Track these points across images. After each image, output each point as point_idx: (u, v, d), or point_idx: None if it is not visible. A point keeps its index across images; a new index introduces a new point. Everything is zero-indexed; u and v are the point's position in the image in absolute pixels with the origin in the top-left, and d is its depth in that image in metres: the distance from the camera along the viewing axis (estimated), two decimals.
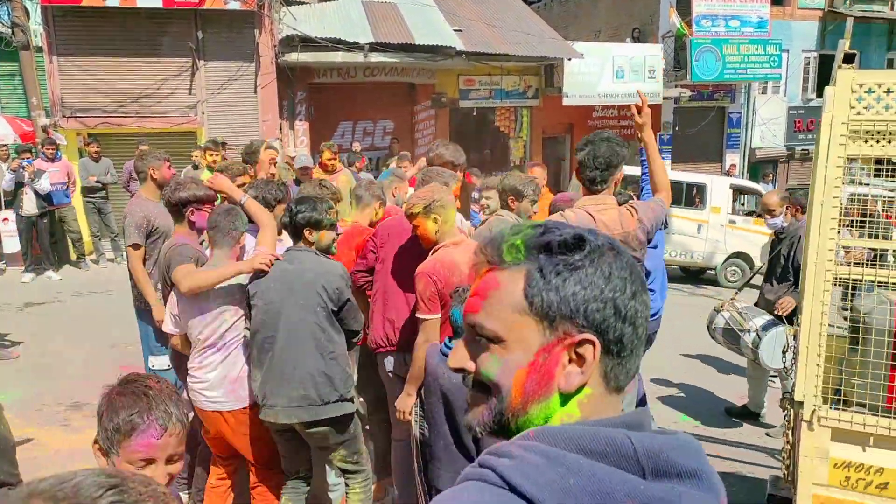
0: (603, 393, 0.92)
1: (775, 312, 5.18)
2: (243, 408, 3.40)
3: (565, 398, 0.91)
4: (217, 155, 7.71)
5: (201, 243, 3.84)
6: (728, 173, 17.21)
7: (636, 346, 0.93)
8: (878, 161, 2.98)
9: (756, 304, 5.51)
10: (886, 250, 3.58)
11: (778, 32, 17.34)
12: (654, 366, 5.59)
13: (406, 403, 3.28)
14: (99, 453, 1.67)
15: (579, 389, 0.91)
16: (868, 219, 3.02)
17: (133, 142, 11.13)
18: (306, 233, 3.34)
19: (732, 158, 18.28)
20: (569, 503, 0.79)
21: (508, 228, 0.97)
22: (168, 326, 3.53)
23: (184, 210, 3.71)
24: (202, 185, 3.82)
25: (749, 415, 5.75)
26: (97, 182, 10.79)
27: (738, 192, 12.99)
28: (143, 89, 12.36)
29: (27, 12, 11.38)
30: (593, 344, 0.89)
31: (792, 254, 5.30)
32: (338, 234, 3.61)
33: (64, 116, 11.92)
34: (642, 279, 0.95)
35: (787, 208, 5.52)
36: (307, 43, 12.67)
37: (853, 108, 2.70)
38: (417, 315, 3.29)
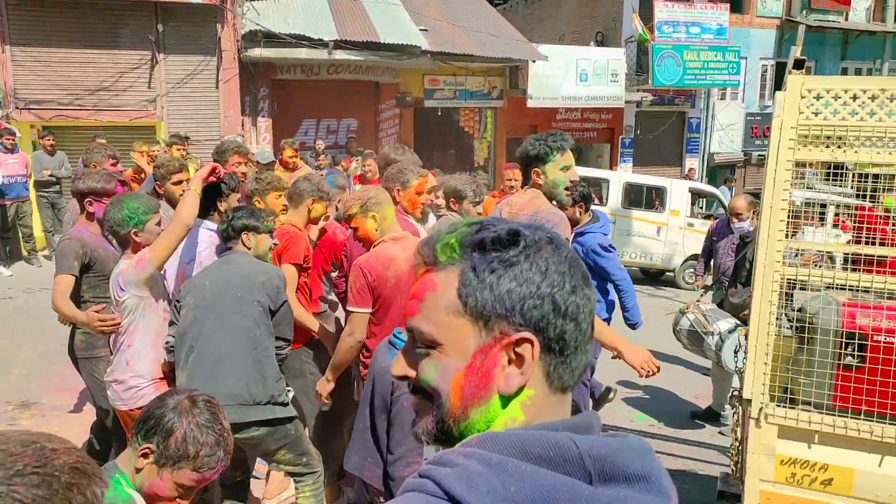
0: (547, 393, 0.89)
1: (741, 316, 5.27)
2: (128, 409, 3.23)
3: (506, 400, 0.88)
4: (182, 149, 7.59)
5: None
6: (687, 177, 17.52)
7: (580, 343, 0.89)
8: (836, 167, 3.07)
9: (721, 308, 5.61)
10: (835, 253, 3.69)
11: (737, 40, 17.71)
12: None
13: (325, 387, 3.44)
14: (145, 457, 1.81)
15: (521, 391, 0.88)
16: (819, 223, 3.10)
17: (90, 135, 10.87)
18: (244, 237, 3.28)
19: (692, 162, 18.62)
20: None
21: (445, 227, 0.94)
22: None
23: (83, 201, 3.75)
24: (103, 176, 3.85)
25: (713, 416, 5.83)
26: (51, 176, 10.51)
27: (696, 195, 13.25)
28: (100, 82, 12.08)
29: None
30: (531, 343, 0.86)
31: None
32: (274, 244, 3.53)
33: (17, 108, 11.59)
34: (584, 273, 0.92)
35: (753, 212, 5.60)
36: (270, 38, 12.54)
37: (802, 112, 2.77)
38: (346, 307, 3.33)
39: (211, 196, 3.51)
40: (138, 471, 1.82)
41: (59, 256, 3.59)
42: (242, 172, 4.65)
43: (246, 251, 3.30)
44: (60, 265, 3.54)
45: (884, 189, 3.29)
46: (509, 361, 0.87)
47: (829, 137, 2.83)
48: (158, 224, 3.27)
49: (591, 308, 0.91)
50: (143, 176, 6.39)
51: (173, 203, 4.13)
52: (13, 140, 9.91)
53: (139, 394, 3.20)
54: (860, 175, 3.14)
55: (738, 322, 5.00)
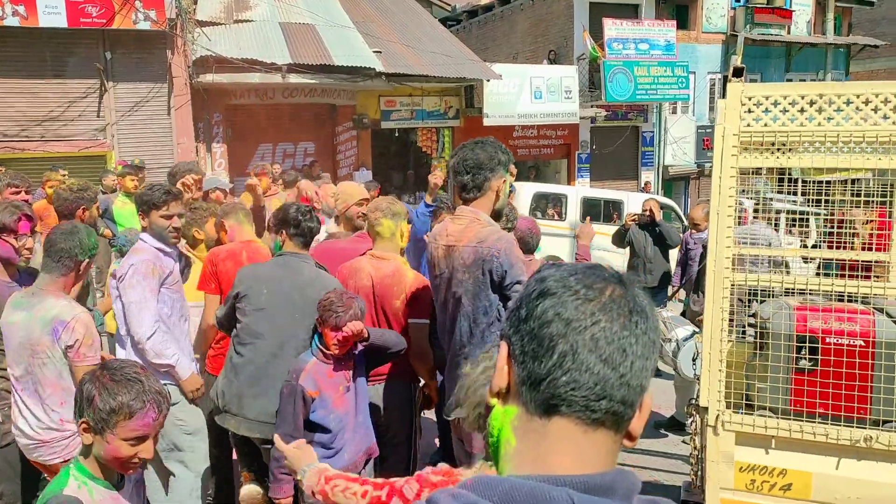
0: (526, 415, 0.84)
1: (697, 321, 5.31)
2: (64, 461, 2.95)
3: (503, 415, 0.86)
4: (136, 179, 7.39)
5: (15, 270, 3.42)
6: (644, 190, 17.79)
7: (541, 356, 0.82)
8: (783, 173, 3.10)
9: (683, 316, 5.65)
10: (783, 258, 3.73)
11: (685, 55, 18.15)
12: None
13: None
14: (86, 432, 1.89)
15: (508, 404, 0.86)
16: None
17: (39, 167, 10.57)
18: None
19: (647, 175, 18.93)
20: None
21: None
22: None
23: None
24: (7, 208, 3.35)
25: (677, 425, 5.84)
26: None
27: None
28: (47, 112, 11.80)
29: None
30: (499, 345, 0.89)
31: None
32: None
33: None
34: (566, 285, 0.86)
35: None
36: (223, 63, 12.41)
37: (743, 119, 2.80)
38: None
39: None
40: (90, 449, 1.91)
41: None
42: (193, 198, 4.56)
43: (308, 255, 3.34)
44: None
45: (835, 194, 3.35)
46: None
47: (772, 144, 2.87)
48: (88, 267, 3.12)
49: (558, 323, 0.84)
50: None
51: (93, 227, 4.04)
52: None
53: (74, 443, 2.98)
54: (812, 182, 3.19)
55: (696, 329, 5.05)
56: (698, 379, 4.11)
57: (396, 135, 16.09)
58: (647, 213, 7.03)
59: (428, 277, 3.32)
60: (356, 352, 2.98)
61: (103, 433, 1.87)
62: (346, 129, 15.06)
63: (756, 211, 4.71)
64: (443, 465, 2.02)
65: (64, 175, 8.23)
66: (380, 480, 2.03)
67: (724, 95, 2.86)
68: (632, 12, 18.25)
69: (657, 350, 0.86)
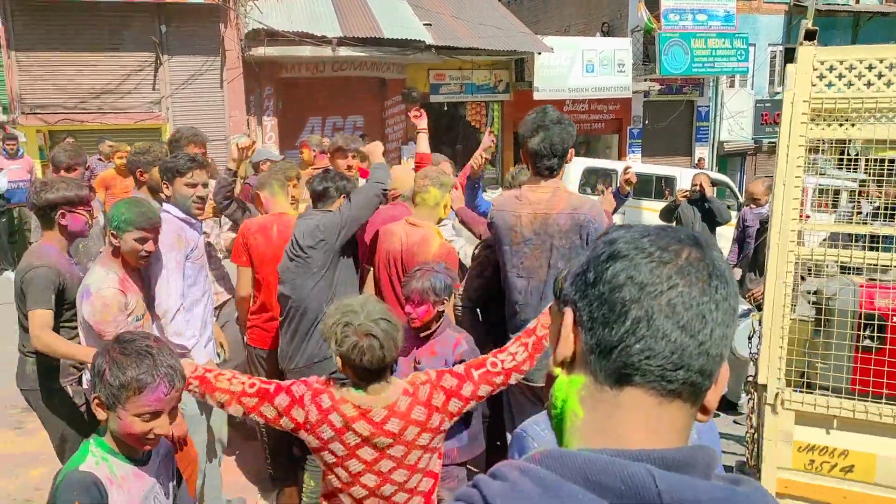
0: (596, 385, 0.79)
1: (749, 296, 5.19)
2: None
3: (569, 385, 0.82)
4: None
5: (79, 247, 3.48)
6: (697, 166, 17.35)
7: (612, 323, 0.77)
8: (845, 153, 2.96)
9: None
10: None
11: (744, 26, 17.51)
12: None
13: None
14: (99, 408, 1.86)
15: (574, 374, 0.81)
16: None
17: (96, 140, 10.85)
18: (341, 199, 3.55)
19: (701, 151, 18.43)
20: None
21: None
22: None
23: (52, 213, 3.20)
24: (73, 183, 3.31)
25: (728, 405, 5.73)
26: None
27: None
28: (105, 85, 12.08)
29: None
30: (564, 313, 0.83)
31: None
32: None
33: (23, 113, 11.60)
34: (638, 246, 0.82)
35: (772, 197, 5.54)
36: (274, 37, 12.48)
37: (814, 85, 2.66)
38: None
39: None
40: (106, 425, 1.88)
41: (33, 287, 3.05)
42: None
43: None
44: (36, 298, 3.02)
45: None
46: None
47: (841, 113, 2.72)
48: (142, 241, 2.95)
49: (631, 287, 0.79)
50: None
51: (158, 191, 4.01)
52: (15, 145, 9.90)
53: None
54: (876, 160, 3.02)
55: (751, 307, 4.90)
56: (753, 358, 4.00)
57: (445, 108, 16.00)
58: (698, 187, 6.83)
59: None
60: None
61: (115, 409, 1.82)
62: (395, 103, 15.03)
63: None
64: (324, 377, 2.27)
65: (111, 146, 8.40)
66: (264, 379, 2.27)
67: (785, 67, 2.72)
68: None
69: (736, 317, 0.80)
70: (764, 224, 5.55)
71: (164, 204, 3.45)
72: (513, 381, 2.27)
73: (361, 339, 2.05)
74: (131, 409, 1.81)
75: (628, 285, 0.77)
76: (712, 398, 0.80)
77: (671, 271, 0.77)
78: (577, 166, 12.34)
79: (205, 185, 3.41)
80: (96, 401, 1.85)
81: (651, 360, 0.76)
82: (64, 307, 3.18)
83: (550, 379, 0.85)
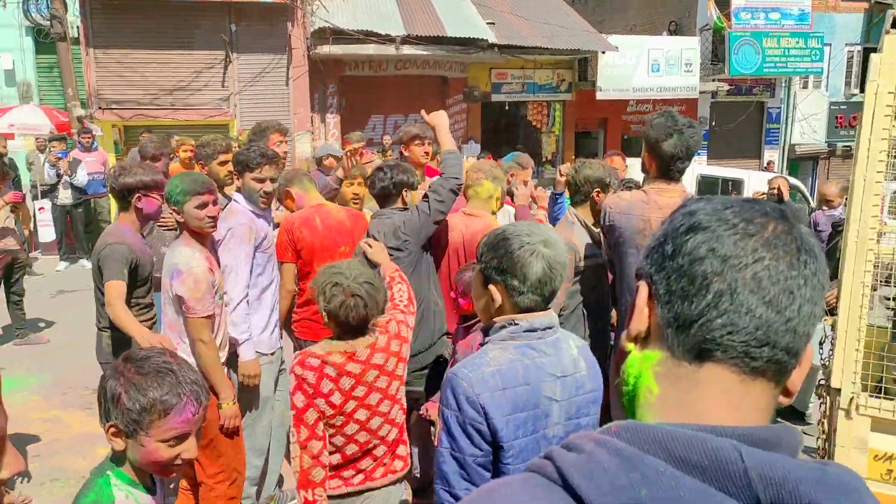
0: (673, 360, 0.76)
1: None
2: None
3: (642, 360, 0.79)
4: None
5: (149, 232, 3.64)
6: (766, 169, 16.80)
7: (692, 296, 0.74)
8: None
9: None
10: None
11: (820, 25, 16.87)
12: None
13: None
14: (116, 437, 1.61)
15: (648, 349, 0.78)
16: None
17: (167, 135, 11.23)
18: (404, 193, 3.50)
19: (771, 154, 17.84)
20: None
21: None
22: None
23: (129, 196, 3.38)
24: (148, 168, 3.56)
25: (794, 414, 5.52)
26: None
27: None
28: (176, 81, 12.48)
29: (65, 4, 11.56)
30: (639, 287, 0.80)
31: None
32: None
33: (100, 108, 12.09)
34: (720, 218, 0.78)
35: (846, 199, 5.31)
36: (339, 35, 12.67)
37: None
38: None
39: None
40: (124, 455, 1.65)
41: (109, 261, 3.27)
42: (284, 151, 4.54)
43: (404, 207, 3.50)
44: (111, 271, 3.25)
45: None
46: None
47: None
48: (202, 207, 3.02)
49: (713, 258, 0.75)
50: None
51: (219, 183, 4.15)
52: (91, 138, 10.31)
53: None
54: None
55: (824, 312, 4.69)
56: (825, 363, 3.83)
57: (506, 108, 15.93)
58: (776, 191, 6.59)
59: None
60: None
61: (136, 436, 1.58)
62: (456, 102, 15.06)
63: None
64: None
65: (177, 140, 8.66)
66: None
67: (863, 69, 2.58)
68: None
69: (825, 294, 0.76)
70: (837, 227, 5.31)
71: (234, 194, 3.60)
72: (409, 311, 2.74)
73: (348, 299, 2.33)
74: (156, 434, 1.58)
75: (710, 258, 0.74)
76: (796, 379, 0.76)
77: (757, 244, 0.73)
78: (639, 167, 12.08)
79: (273, 181, 3.49)
80: (112, 430, 1.60)
81: (734, 335, 0.72)
82: (136, 283, 3.39)
83: (622, 355, 0.82)
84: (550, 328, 1.89)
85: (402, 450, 2.63)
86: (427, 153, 4.62)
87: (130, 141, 11.89)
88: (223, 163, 4.19)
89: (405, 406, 2.63)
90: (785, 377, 0.75)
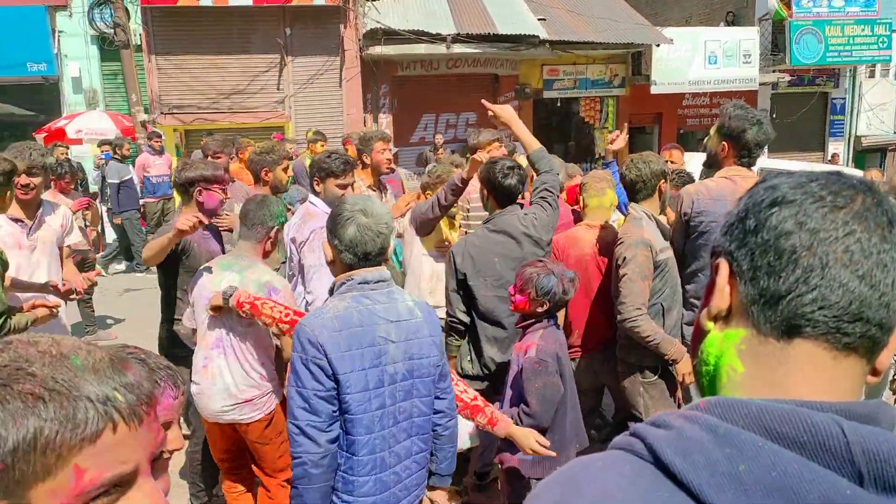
0: (759, 337, 0.74)
1: None
2: (264, 416, 3.13)
3: (723, 339, 0.77)
4: (324, 145, 8.12)
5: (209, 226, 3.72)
6: (831, 162, 16.21)
7: (779, 271, 0.72)
8: None
9: None
10: None
11: (888, 11, 16.15)
12: None
13: None
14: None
15: (732, 331, 0.76)
16: None
17: (225, 138, 11.51)
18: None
19: (835, 147, 17.20)
20: (733, 496, 0.62)
21: None
22: (187, 318, 3.29)
23: (191, 189, 3.52)
24: (210, 163, 3.68)
25: None
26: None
27: None
28: (234, 86, 12.78)
29: (128, 13, 11.97)
30: (719, 265, 0.79)
31: None
32: None
33: (162, 113, 12.48)
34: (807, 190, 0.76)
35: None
36: (390, 36, 12.77)
37: None
38: None
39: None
40: None
41: (159, 232, 3.54)
42: (388, 158, 4.60)
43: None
44: (158, 233, 3.46)
45: None
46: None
47: None
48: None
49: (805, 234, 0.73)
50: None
51: (279, 189, 4.36)
52: (161, 143, 10.66)
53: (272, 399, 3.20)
54: None
55: None
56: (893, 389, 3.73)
57: (558, 104, 15.78)
58: None
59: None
60: None
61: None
62: (507, 100, 14.98)
63: None
64: None
65: (244, 142, 8.89)
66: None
67: None
68: None
69: None
70: None
71: (309, 196, 3.78)
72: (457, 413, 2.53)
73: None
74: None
75: (798, 231, 0.72)
76: (884, 358, 0.74)
77: (847, 216, 0.72)
78: (696, 162, 11.79)
79: (352, 186, 3.73)
80: None
81: (826, 310, 0.71)
82: (184, 267, 3.45)
83: (700, 334, 0.81)
84: (383, 281, 2.21)
85: None
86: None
87: (191, 144, 12.24)
88: (285, 168, 4.37)
89: None
90: (876, 354, 0.73)
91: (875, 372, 0.74)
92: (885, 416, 0.68)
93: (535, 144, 3.46)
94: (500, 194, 3.33)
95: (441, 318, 3.88)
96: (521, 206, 3.41)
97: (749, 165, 3.32)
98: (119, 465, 0.74)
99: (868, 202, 0.73)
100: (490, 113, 3.53)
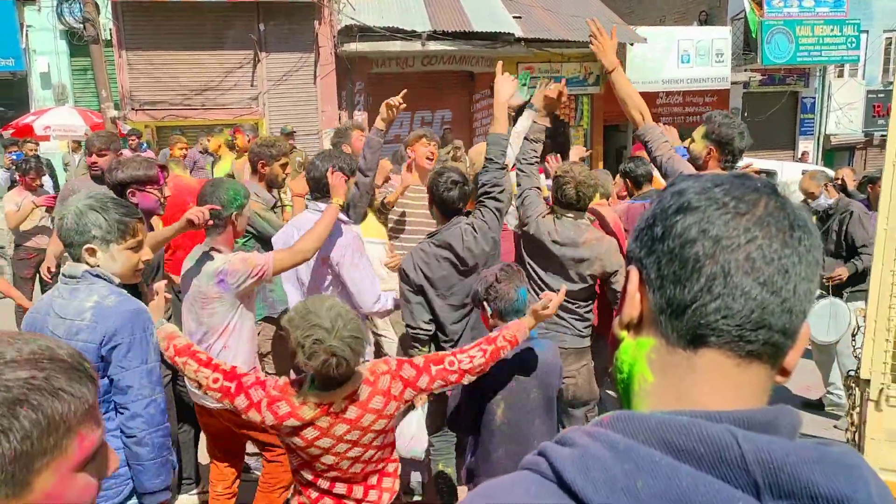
0: (667, 347, 0.74)
1: (825, 283, 5.05)
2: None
3: (636, 348, 0.77)
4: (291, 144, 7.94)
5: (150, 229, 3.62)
6: (801, 160, 16.47)
7: (684, 281, 0.72)
8: None
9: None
10: None
11: (856, 11, 16.46)
12: None
13: None
14: None
15: (642, 339, 0.76)
16: None
17: (196, 134, 11.39)
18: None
19: (805, 145, 17.48)
20: None
21: None
22: None
23: (124, 192, 3.25)
24: (143, 163, 3.35)
25: (811, 403, 5.54)
26: None
27: None
28: (207, 82, 12.66)
29: (97, 7, 11.77)
30: (629, 272, 0.78)
31: (844, 229, 5.26)
32: None
33: (133, 109, 12.32)
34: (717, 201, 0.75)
35: (825, 187, 5.55)
36: (365, 33, 12.73)
37: None
38: None
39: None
40: None
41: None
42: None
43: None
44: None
45: None
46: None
47: None
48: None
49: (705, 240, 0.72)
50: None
51: (274, 184, 4.21)
52: (138, 141, 10.51)
53: None
54: None
55: (822, 292, 4.85)
56: (858, 356, 3.77)
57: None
58: (839, 181, 6.48)
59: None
60: None
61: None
62: (483, 97, 15.01)
63: None
64: (283, 380, 2.30)
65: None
66: (228, 368, 2.34)
67: None
68: None
69: (819, 270, 0.74)
70: (827, 212, 5.50)
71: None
72: (465, 381, 2.38)
73: (330, 358, 2.08)
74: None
75: (701, 239, 0.71)
76: (792, 358, 0.74)
77: (749, 223, 0.71)
78: None
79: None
80: None
81: (729, 319, 0.70)
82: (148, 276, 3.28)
83: (615, 342, 0.81)
84: (74, 277, 2.21)
85: (387, 481, 2.44)
86: (433, 154, 4.37)
87: (162, 142, 12.08)
88: (283, 165, 4.24)
89: (389, 442, 2.43)
90: (781, 358, 0.73)
91: (784, 372, 0.74)
92: (785, 422, 0.68)
93: (498, 128, 3.34)
94: (441, 206, 3.27)
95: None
96: (468, 213, 3.32)
97: (729, 170, 3.44)
98: (98, 427, 0.91)
99: (771, 206, 0.72)
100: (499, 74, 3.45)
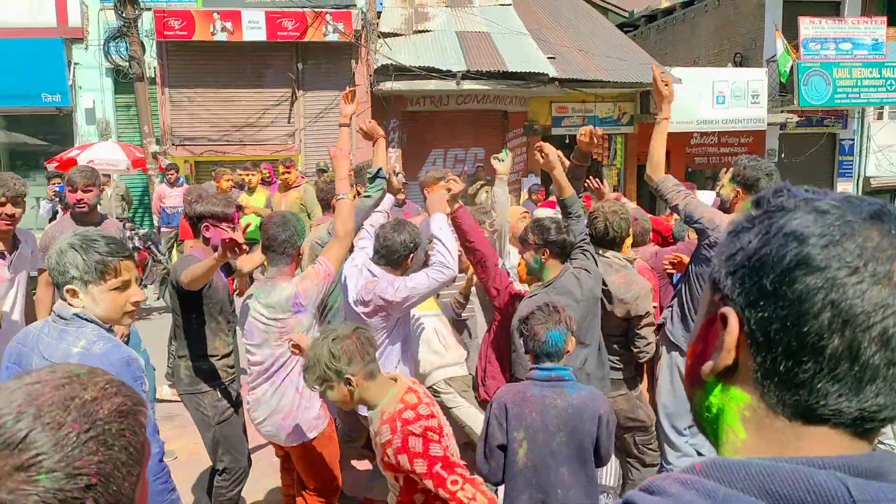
0: (766, 409, 0.66)
1: None
2: (303, 443, 3.20)
3: (725, 397, 0.69)
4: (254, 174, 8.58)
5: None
6: None
7: (800, 357, 0.63)
8: None
9: None
10: None
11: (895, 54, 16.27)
12: None
13: None
14: None
15: (735, 391, 0.68)
16: None
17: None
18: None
19: (844, 187, 17.16)
20: None
21: None
22: None
23: (199, 224, 3.40)
24: (222, 199, 3.51)
25: None
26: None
27: None
28: (245, 118, 12.92)
29: (143, 47, 12.14)
30: (727, 318, 0.68)
31: None
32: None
33: (173, 144, 12.59)
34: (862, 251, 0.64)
35: None
36: (401, 72, 12.91)
37: None
38: None
39: None
40: None
41: (180, 264, 3.35)
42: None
43: None
44: (184, 268, 3.21)
45: None
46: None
47: None
48: None
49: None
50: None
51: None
52: (176, 175, 10.73)
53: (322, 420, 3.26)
54: None
55: None
56: None
57: (567, 141, 15.85)
58: None
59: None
60: None
61: None
62: (516, 136, 15.08)
63: None
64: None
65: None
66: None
67: None
68: (831, 10, 16.69)
69: None
70: None
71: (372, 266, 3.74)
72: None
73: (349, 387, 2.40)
74: None
75: (827, 311, 0.62)
76: None
77: (884, 292, 0.61)
78: (705, 199, 11.78)
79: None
80: None
81: (851, 403, 0.63)
82: (208, 299, 3.33)
83: (695, 380, 0.73)
84: (63, 318, 2.13)
85: None
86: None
87: (201, 176, 12.31)
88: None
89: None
90: None
91: None
92: (893, 468, 0.61)
93: (569, 190, 3.50)
94: (556, 249, 3.33)
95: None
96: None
97: None
98: None
99: None
100: (539, 152, 3.57)
